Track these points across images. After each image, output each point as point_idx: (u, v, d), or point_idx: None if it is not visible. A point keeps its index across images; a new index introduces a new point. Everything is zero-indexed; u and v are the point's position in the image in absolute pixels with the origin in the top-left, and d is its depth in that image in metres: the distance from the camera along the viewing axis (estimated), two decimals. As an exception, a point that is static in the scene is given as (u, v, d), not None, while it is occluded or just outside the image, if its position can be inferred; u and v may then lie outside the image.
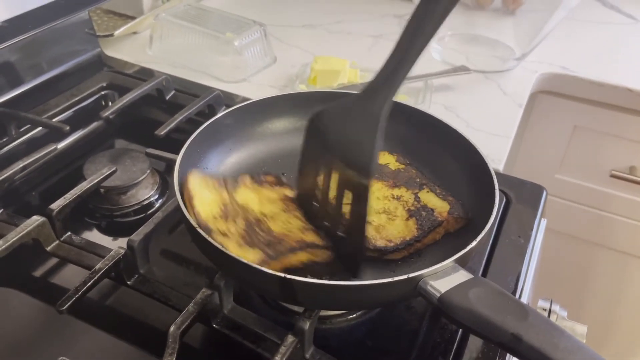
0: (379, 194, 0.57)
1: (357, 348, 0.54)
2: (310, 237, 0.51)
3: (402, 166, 0.60)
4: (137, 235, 0.55)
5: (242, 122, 0.63)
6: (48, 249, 0.57)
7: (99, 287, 0.56)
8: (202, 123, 0.60)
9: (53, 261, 0.60)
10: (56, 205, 0.58)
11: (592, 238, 1.14)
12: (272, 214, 0.53)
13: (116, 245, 0.56)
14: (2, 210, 0.62)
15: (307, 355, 0.49)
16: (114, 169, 0.66)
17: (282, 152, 0.64)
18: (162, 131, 0.71)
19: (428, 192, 0.57)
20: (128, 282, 0.55)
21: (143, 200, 0.71)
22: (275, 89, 0.90)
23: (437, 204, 0.55)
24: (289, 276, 0.43)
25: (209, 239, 0.46)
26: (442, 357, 0.50)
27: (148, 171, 0.71)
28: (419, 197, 0.56)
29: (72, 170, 0.76)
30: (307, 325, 0.47)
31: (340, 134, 0.49)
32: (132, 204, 0.70)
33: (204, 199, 0.51)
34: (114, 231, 0.68)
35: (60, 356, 0.45)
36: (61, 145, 0.73)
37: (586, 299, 1.24)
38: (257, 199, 0.54)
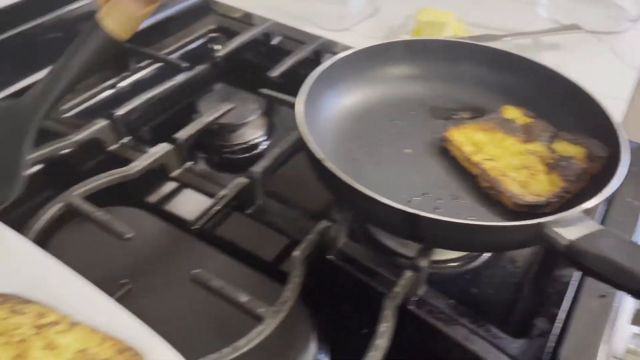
0: (514, 149, 0.56)
1: (463, 293, 0.55)
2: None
3: (530, 120, 0.59)
4: (257, 167, 0.58)
5: (358, 66, 0.64)
6: (172, 175, 0.61)
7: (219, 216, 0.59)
8: (302, 70, 0.61)
9: (171, 187, 0.64)
10: (181, 134, 0.62)
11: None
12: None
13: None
14: (130, 137, 0.66)
15: (421, 292, 0.50)
16: (231, 106, 0.68)
17: (395, 98, 0.65)
18: (274, 73, 0.73)
19: (561, 141, 0.56)
20: (247, 211, 0.58)
21: (250, 140, 0.74)
22: (377, 40, 0.89)
23: (573, 150, 0.54)
24: (414, 211, 0.44)
25: (336, 171, 0.47)
26: (555, 307, 0.50)
27: (259, 112, 0.73)
28: (554, 149, 0.55)
29: (179, 108, 0.79)
30: (425, 262, 0.48)
31: None
32: (240, 142, 0.73)
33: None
34: (222, 166, 0.71)
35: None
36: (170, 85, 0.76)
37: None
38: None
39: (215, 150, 0.73)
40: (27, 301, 0.40)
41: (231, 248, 0.56)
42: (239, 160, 0.73)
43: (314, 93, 0.59)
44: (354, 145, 0.60)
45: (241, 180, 0.57)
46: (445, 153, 0.59)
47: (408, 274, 0.48)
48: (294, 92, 0.58)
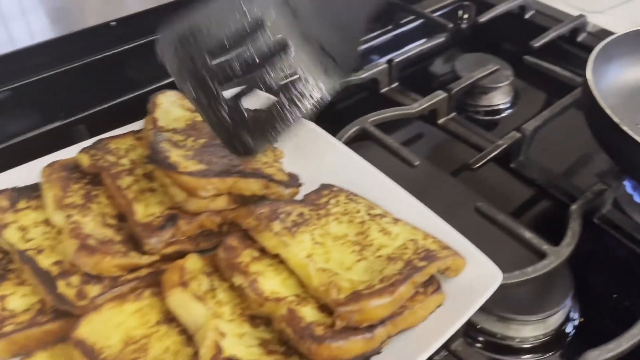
0: None
1: None
2: (273, 172, 0.48)
3: None
4: (529, 125, 0.62)
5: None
6: (439, 121, 0.67)
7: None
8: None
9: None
10: (455, 84, 0.67)
11: None
12: None
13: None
14: (397, 83, 0.73)
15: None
16: (495, 67, 0.72)
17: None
18: (537, 43, 0.75)
19: None
20: (511, 165, 0.62)
21: (497, 105, 0.77)
22: (636, 26, 0.87)
23: None
24: None
25: (635, 135, 0.49)
26: None
27: (512, 79, 0.77)
28: None
29: (428, 64, 0.85)
30: None
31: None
32: (486, 105, 0.77)
33: None
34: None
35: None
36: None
37: None
38: None
39: (461, 108, 0.77)
40: (356, 195, 0.48)
41: (491, 194, 0.61)
42: (479, 122, 0.77)
43: (598, 63, 0.61)
44: (627, 119, 0.61)
45: (514, 135, 0.61)
46: None
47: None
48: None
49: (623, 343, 0.42)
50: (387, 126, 0.69)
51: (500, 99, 0.78)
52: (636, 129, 0.60)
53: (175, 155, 0.45)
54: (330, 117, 0.62)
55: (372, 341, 0.36)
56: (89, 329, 0.36)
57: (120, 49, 0.65)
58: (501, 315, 0.50)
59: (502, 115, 0.77)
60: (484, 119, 0.77)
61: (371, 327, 0.36)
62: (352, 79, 0.69)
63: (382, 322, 0.37)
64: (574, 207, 0.52)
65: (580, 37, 0.82)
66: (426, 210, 0.47)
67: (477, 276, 0.42)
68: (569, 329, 0.52)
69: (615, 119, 0.51)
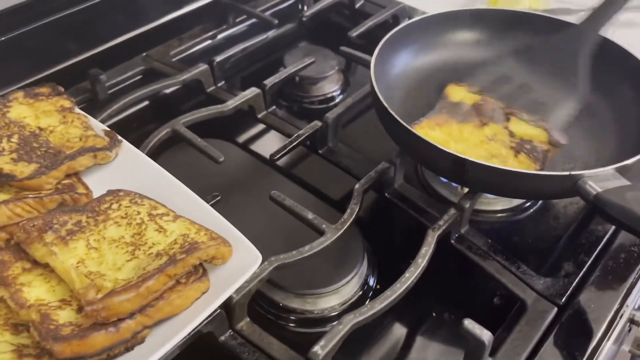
0: (474, 140, 0.59)
1: (504, 242, 0.61)
2: (91, 141, 0.54)
3: (477, 97, 0.63)
4: (332, 114, 0.67)
5: (429, 30, 0.70)
6: (259, 116, 0.71)
7: (293, 155, 0.68)
8: (382, 32, 0.67)
9: (257, 128, 0.74)
10: (269, 81, 0.71)
11: None
12: (50, 127, 0.55)
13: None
14: (223, 82, 0.76)
15: (462, 231, 0.57)
16: (313, 60, 0.77)
17: (461, 61, 0.71)
18: (354, 32, 0.80)
19: (516, 120, 0.60)
20: (319, 151, 0.67)
21: (328, 93, 0.82)
22: (456, 7, 0.94)
23: (532, 132, 0.59)
24: (462, 155, 0.51)
25: (398, 118, 0.55)
26: (585, 255, 0.56)
27: (337, 67, 0.81)
28: (511, 131, 0.59)
29: (268, 61, 0.89)
30: (467, 204, 0.55)
31: None
32: (318, 94, 0.82)
33: None
34: (301, 114, 0.80)
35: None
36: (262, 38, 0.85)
37: None
38: (34, 114, 0.56)
39: (296, 100, 0.81)
40: (143, 197, 0.51)
41: (302, 180, 0.66)
42: (315, 110, 0.81)
43: (387, 52, 0.66)
44: (417, 102, 0.67)
45: (316, 124, 0.66)
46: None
47: (452, 211, 0.55)
48: (372, 52, 0.65)
49: (376, 305, 0.47)
50: (232, 128, 0.72)
51: (329, 87, 0.82)
52: (408, 115, 0.65)
53: (4, 164, 0.49)
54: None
55: (118, 334, 0.39)
56: None
57: None
58: (296, 292, 0.54)
59: (336, 101, 0.82)
60: (319, 107, 0.82)
61: (117, 322, 0.39)
62: (174, 81, 0.72)
63: (131, 315, 0.40)
64: (357, 186, 0.57)
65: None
66: (205, 205, 0.50)
67: (242, 261, 0.46)
68: (366, 296, 0.58)
69: (384, 103, 0.56)
